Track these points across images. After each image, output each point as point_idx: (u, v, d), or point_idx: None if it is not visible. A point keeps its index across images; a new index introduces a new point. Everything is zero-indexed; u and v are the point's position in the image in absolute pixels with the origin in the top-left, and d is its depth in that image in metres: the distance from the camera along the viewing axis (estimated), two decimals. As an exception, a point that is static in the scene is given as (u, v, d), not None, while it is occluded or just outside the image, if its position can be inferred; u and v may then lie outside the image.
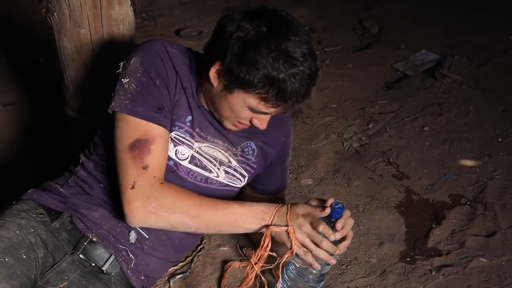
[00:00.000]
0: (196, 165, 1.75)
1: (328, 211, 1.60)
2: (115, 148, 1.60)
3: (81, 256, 1.69)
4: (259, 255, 1.61)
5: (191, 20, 4.43)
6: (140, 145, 1.56)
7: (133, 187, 1.55)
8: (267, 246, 1.59)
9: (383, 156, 2.78)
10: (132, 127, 1.59)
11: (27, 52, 3.38)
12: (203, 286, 2.01)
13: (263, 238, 1.60)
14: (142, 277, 1.78)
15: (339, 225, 1.60)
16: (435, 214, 2.40)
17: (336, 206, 1.60)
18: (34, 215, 1.70)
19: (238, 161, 1.83)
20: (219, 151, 1.78)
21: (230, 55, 1.51)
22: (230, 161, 1.81)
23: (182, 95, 1.69)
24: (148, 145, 1.57)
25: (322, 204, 1.66)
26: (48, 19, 2.11)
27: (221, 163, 1.80)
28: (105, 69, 2.15)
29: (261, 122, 1.65)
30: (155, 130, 1.59)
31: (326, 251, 1.58)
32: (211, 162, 1.77)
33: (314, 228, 1.58)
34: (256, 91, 1.52)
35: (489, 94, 3.28)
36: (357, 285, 2.02)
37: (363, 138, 2.96)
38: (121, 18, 2.10)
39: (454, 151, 2.80)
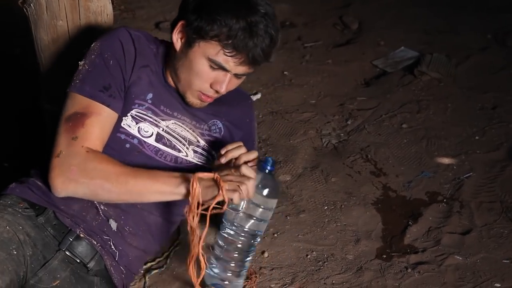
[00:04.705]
0: (165, 144, 1.77)
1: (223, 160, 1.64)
2: None
3: (67, 252, 1.67)
4: (192, 204, 1.53)
5: (171, 13, 4.38)
6: (75, 118, 1.62)
7: (58, 156, 1.59)
8: (197, 193, 1.52)
9: (361, 153, 2.79)
10: (75, 103, 1.66)
11: (2, 43, 3.32)
12: (179, 281, 2.00)
13: (190, 186, 1.53)
14: (123, 274, 1.76)
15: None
16: (412, 211, 2.41)
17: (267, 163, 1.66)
18: (20, 210, 1.67)
19: (206, 141, 1.85)
20: (187, 131, 1.81)
21: (190, 9, 1.62)
22: (198, 141, 1.83)
23: (142, 74, 1.74)
24: (83, 119, 1.62)
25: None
26: (25, 10, 2.08)
27: (190, 143, 1.81)
28: (82, 62, 2.12)
29: (220, 84, 1.67)
30: (96, 107, 1.64)
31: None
32: (179, 141, 1.79)
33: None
34: (215, 38, 1.59)
35: (467, 92, 3.30)
36: (333, 281, 2.03)
37: (342, 135, 2.96)
38: (99, 10, 2.07)
39: (432, 148, 2.82)
